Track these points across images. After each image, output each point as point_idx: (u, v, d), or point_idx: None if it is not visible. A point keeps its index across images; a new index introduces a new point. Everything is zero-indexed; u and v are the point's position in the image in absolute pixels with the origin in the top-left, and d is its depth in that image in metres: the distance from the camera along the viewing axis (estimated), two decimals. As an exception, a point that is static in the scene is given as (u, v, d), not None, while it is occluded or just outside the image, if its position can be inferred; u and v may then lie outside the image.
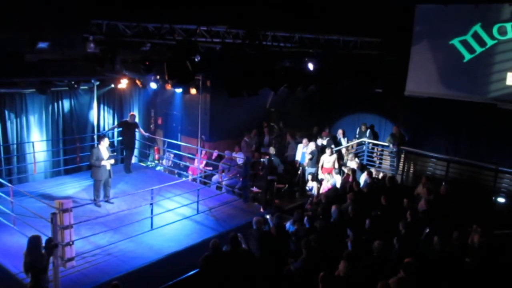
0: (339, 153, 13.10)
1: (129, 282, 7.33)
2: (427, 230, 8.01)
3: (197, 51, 8.44)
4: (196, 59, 8.37)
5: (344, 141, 14.23)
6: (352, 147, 14.00)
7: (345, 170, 11.96)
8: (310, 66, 10.53)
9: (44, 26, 7.47)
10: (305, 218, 8.52)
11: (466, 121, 12.43)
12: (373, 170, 11.57)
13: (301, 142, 13.42)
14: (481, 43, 11.17)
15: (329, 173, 11.89)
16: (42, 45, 7.56)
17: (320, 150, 12.86)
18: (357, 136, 14.33)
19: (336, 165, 12.03)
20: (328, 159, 12.19)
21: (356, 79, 11.99)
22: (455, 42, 11.53)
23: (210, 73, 12.01)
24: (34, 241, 6.57)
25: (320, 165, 12.32)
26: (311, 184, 11.68)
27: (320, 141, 13.46)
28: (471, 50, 11.37)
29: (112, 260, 8.03)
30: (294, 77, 10.47)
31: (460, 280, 6.42)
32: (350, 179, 11.33)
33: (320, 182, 11.80)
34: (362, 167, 12.41)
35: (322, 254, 7.08)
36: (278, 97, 15.34)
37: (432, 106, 12.44)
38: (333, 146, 13.10)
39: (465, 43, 11.40)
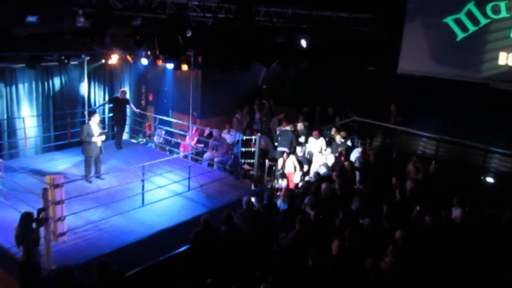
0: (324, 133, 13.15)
1: (121, 257, 7.43)
2: (418, 208, 8.17)
3: (189, 26, 8.38)
4: (187, 34, 8.32)
5: (337, 120, 14.27)
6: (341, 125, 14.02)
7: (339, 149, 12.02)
8: (303, 42, 10.49)
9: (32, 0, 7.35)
10: (279, 200, 8.66)
11: (458, 100, 12.50)
12: (359, 151, 11.61)
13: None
14: (475, 21, 11.18)
15: (287, 178, 11.06)
16: (31, 19, 7.45)
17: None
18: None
19: (297, 168, 11.44)
20: (286, 163, 11.38)
21: (349, 57, 11.97)
22: (449, 20, 11.52)
23: (202, 48, 11.92)
24: (26, 217, 6.66)
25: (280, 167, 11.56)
26: (281, 182, 11.24)
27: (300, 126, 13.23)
28: (464, 28, 11.38)
29: (103, 235, 8.10)
30: (287, 53, 10.44)
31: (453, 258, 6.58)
32: (343, 158, 11.44)
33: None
34: (353, 146, 12.53)
35: (312, 230, 7.22)
36: (270, 74, 15.34)
37: (424, 85, 12.48)
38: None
39: (458, 22, 11.40)
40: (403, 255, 6.26)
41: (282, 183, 10.70)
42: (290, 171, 11.34)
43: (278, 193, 10.22)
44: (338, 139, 12.21)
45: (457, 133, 12.28)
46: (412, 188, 9.03)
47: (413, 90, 12.93)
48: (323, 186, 8.90)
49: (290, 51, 10.50)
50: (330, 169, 10.83)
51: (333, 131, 12.99)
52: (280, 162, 11.44)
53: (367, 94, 13.67)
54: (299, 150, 12.03)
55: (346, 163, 10.63)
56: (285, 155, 11.39)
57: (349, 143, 12.45)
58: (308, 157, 12.17)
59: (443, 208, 8.02)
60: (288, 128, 12.59)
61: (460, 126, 12.53)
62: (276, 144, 12.62)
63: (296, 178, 11.34)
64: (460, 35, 11.44)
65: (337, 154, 11.66)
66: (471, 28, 11.24)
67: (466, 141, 12.01)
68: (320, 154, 11.72)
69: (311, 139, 12.43)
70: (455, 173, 11.01)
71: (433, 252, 6.56)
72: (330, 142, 12.54)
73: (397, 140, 13.37)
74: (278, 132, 12.74)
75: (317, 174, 10.16)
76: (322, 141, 12.33)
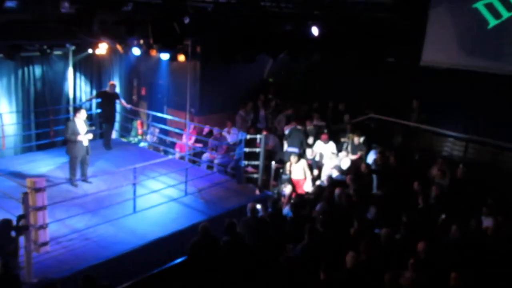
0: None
1: (109, 270, 7.48)
2: (443, 216, 8.16)
3: (186, 12, 8.40)
4: (185, 21, 8.35)
5: (346, 118, 14.27)
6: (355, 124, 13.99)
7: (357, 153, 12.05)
8: (314, 30, 10.50)
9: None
10: (286, 207, 8.68)
11: (489, 96, 12.44)
12: (376, 152, 11.61)
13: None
14: (509, 6, 11.12)
15: (295, 186, 10.98)
16: (9, 3, 7.52)
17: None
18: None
19: (308, 174, 11.38)
20: (295, 168, 11.36)
21: (366, 47, 11.96)
22: (479, 5, 11.47)
23: (201, 37, 11.96)
24: (4, 224, 6.71)
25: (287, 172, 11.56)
26: (285, 189, 11.25)
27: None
28: (497, 14, 11.32)
29: (90, 246, 8.15)
30: (296, 43, 10.44)
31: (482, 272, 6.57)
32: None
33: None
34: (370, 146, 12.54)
35: (324, 240, 7.25)
36: (277, 66, 15.35)
37: (451, 79, 12.44)
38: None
39: (490, 7, 11.34)
40: (426, 270, 6.26)
41: (286, 189, 10.72)
42: (299, 178, 11.30)
43: (281, 201, 10.24)
44: (357, 140, 12.23)
45: (489, 133, 12.23)
46: (437, 195, 9.03)
47: (438, 84, 12.88)
48: (337, 191, 8.93)
49: (299, 40, 10.49)
50: (344, 172, 10.85)
51: (354, 139, 12.98)
52: (287, 166, 11.44)
53: (386, 88, 13.65)
54: (309, 153, 12.02)
55: (362, 165, 10.65)
56: (294, 158, 11.37)
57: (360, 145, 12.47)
58: (318, 159, 12.17)
59: (472, 217, 8.01)
60: (299, 126, 12.63)
61: (492, 125, 12.47)
62: (285, 144, 12.66)
63: (306, 186, 11.33)
64: (492, 22, 11.38)
65: (355, 157, 11.68)
66: (505, 14, 11.17)
67: (499, 142, 11.96)
68: (333, 155, 11.71)
69: (319, 142, 12.42)
70: (486, 177, 10.97)
71: (460, 267, 6.55)
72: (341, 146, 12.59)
73: (420, 140, 13.33)
74: (287, 131, 12.78)
75: (329, 178, 10.19)
76: (331, 146, 12.29)
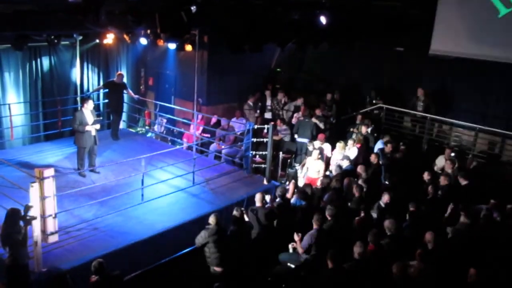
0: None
1: (118, 260, 7.49)
2: (451, 206, 8.12)
3: (194, 1, 8.37)
4: (192, 10, 8.31)
5: (333, 108, 14.21)
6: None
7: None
8: (322, 19, 10.43)
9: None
10: (294, 197, 8.70)
11: (499, 86, 12.36)
12: (383, 141, 11.54)
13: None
14: (519, -5, 11.01)
15: (313, 184, 10.23)
16: (17, -6, 7.52)
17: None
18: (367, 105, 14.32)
19: (321, 173, 10.94)
20: (313, 165, 11.01)
21: (375, 36, 11.86)
22: (489, -7, 11.36)
23: (208, 26, 11.92)
24: (12, 214, 6.72)
25: (303, 172, 11.48)
26: (290, 184, 11.25)
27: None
28: (507, 3, 11.18)
29: (98, 236, 8.16)
30: (304, 32, 10.39)
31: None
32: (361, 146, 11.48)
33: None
34: (378, 135, 12.49)
35: (332, 229, 7.25)
36: (285, 55, 15.29)
37: (460, 68, 12.35)
38: (319, 146, 11.97)
39: (500, -5, 11.25)
40: (433, 260, 6.24)
41: (290, 185, 10.65)
42: (314, 177, 10.99)
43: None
44: (364, 130, 12.18)
45: (499, 123, 12.16)
46: (446, 185, 8.98)
47: (449, 73, 12.80)
48: (346, 181, 8.91)
49: (307, 29, 10.43)
50: (352, 162, 10.81)
51: (358, 118, 12.94)
52: (307, 164, 11.24)
53: (394, 78, 13.57)
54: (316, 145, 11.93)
55: (372, 156, 10.60)
56: (316, 153, 11.04)
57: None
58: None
59: (481, 207, 7.96)
60: (307, 117, 12.62)
61: (502, 115, 12.39)
62: (295, 135, 12.64)
63: (340, 147, 11.43)
64: (503, 10, 11.24)
65: (358, 145, 11.65)
66: (516, 2, 11.05)
67: (509, 132, 11.88)
68: (340, 144, 11.66)
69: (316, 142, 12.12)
70: (495, 168, 10.90)
71: (469, 257, 6.53)
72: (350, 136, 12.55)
73: (428, 129, 13.27)
74: (296, 122, 12.77)
75: (338, 167, 10.16)
76: (327, 147, 12.11)
